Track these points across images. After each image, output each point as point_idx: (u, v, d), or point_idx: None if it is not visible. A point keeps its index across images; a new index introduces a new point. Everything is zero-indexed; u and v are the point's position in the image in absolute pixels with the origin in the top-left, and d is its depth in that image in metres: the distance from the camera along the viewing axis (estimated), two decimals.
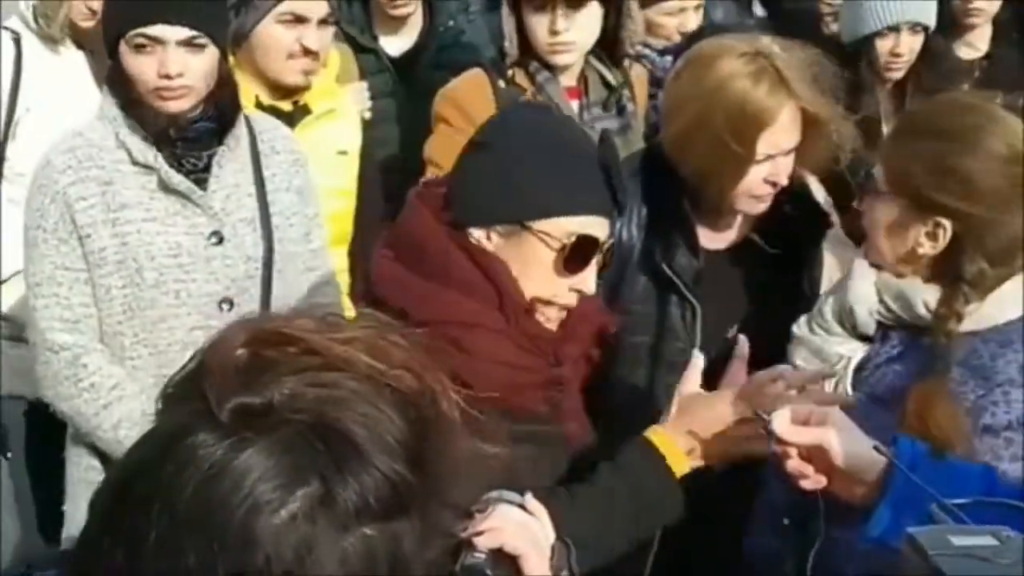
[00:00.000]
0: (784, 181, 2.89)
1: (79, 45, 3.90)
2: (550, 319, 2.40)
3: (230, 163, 3.17)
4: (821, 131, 2.88)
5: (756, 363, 2.51)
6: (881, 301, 2.59)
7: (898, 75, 4.18)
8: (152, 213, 3.09)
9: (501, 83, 3.80)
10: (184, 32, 3.06)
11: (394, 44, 4.36)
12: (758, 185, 2.88)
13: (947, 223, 2.45)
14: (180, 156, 3.12)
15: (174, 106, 3.09)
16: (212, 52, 3.11)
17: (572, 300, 2.39)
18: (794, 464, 2.28)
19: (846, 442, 2.23)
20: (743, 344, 2.49)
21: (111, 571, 1.12)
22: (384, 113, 4.26)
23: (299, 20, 3.63)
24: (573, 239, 2.34)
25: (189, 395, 1.15)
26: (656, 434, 2.39)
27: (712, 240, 3.01)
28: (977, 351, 2.44)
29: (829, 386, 2.72)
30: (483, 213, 2.36)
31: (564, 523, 2.21)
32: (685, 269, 2.92)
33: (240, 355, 1.15)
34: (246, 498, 1.09)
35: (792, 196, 2.99)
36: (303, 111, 3.72)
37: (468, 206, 2.37)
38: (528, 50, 3.80)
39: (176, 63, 3.05)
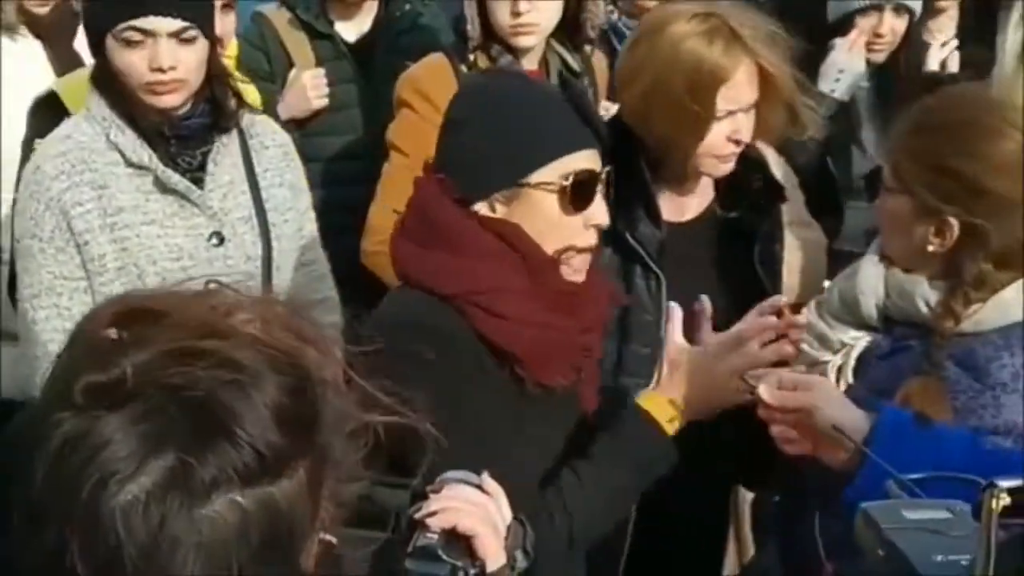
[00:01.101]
0: (747, 138, 2.91)
1: (36, 35, 3.79)
2: (577, 269, 2.42)
3: (224, 160, 3.08)
4: (779, 93, 2.90)
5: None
6: (888, 295, 2.59)
7: (879, 57, 4.21)
8: (150, 215, 3.00)
9: (463, 67, 3.78)
10: (175, 24, 2.96)
11: (350, 30, 4.29)
12: (721, 144, 2.89)
13: (954, 221, 2.42)
14: (174, 155, 3.03)
15: (167, 100, 2.99)
16: (203, 44, 3.02)
17: (592, 239, 2.42)
18: (779, 429, 2.35)
19: (830, 408, 2.30)
20: (705, 304, 2.52)
21: None
22: (344, 99, 4.20)
23: None
24: (571, 178, 2.37)
25: (55, 378, 1.16)
26: (648, 400, 2.45)
27: (676, 212, 3.02)
28: (975, 353, 2.43)
29: (832, 374, 2.79)
30: (479, 187, 2.38)
31: (576, 505, 2.34)
32: (648, 239, 2.93)
33: (104, 334, 1.15)
34: (93, 473, 1.09)
35: (751, 167, 3.03)
36: None
37: (462, 184, 2.38)
38: (490, 33, 3.77)
39: (168, 56, 2.95)
